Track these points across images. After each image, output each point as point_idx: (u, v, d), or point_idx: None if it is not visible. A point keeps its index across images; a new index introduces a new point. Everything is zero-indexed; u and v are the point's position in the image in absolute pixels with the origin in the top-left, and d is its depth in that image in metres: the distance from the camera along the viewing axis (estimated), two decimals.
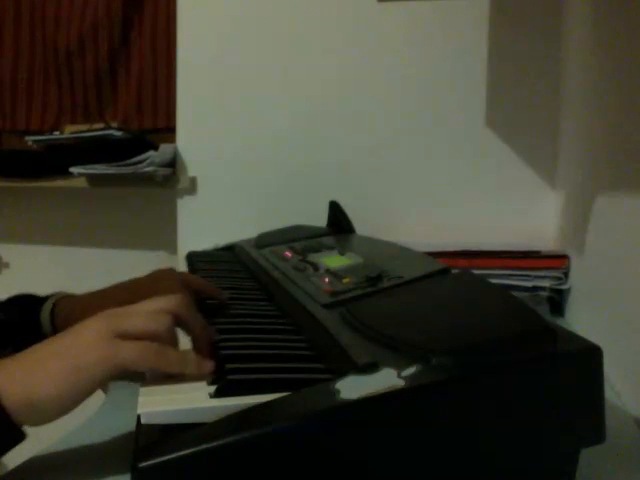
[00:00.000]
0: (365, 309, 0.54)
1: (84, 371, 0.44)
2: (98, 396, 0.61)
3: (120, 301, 0.68)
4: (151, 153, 1.35)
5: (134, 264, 1.66)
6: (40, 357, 0.45)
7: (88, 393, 0.45)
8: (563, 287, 0.96)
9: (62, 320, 0.70)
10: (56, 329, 0.70)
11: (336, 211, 1.04)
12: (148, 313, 0.49)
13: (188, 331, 0.52)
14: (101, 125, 1.57)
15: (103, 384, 0.45)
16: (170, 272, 0.73)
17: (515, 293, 0.93)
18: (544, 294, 0.96)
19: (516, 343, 0.42)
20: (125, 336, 0.46)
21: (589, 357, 0.43)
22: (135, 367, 0.45)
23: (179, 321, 0.51)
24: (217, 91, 1.34)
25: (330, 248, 0.83)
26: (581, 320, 0.88)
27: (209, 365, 0.47)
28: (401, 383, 0.39)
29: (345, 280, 0.64)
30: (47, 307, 0.71)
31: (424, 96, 1.23)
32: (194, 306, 0.53)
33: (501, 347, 0.42)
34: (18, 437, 0.43)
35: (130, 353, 0.45)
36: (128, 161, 1.36)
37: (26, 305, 0.73)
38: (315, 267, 0.72)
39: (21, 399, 0.42)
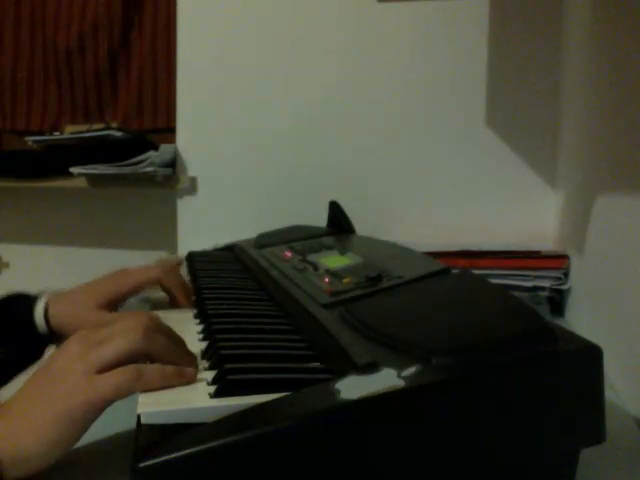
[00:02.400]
0: (365, 309, 0.54)
1: (69, 418, 0.43)
2: None
3: (108, 292, 0.70)
4: (151, 153, 1.35)
5: (134, 264, 1.65)
6: (24, 408, 0.44)
7: (77, 437, 0.44)
8: (563, 287, 0.96)
9: (56, 320, 0.71)
10: (51, 329, 0.71)
11: (336, 211, 1.04)
12: (118, 333, 0.47)
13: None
14: (101, 125, 1.57)
15: (91, 424, 0.44)
16: (159, 264, 0.74)
17: (515, 293, 0.93)
18: (544, 294, 0.96)
19: (516, 343, 0.42)
20: (103, 368, 0.45)
21: (589, 357, 0.43)
22: (120, 397, 0.44)
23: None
24: (217, 91, 1.34)
25: (330, 248, 0.82)
26: (581, 320, 0.88)
27: (190, 373, 0.46)
28: (401, 383, 0.39)
29: (345, 280, 0.64)
30: (40, 308, 0.71)
31: (424, 96, 1.23)
32: (158, 321, 0.51)
33: (501, 347, 0.42)
34: None
35: (109, 388, 0.43)
36: (128, 161, 1.36)
37: (18, 305, 0.73)
38: (315, 267, 0.72)
39: (10, 454, 0.42)
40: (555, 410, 0.42)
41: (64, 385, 0.44)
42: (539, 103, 1.16)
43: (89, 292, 0.72)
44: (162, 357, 0.47)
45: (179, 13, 1.36)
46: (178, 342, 0.51)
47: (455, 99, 1.21)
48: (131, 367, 0.45)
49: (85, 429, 0.44)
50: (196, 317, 0.65)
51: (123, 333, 0.47)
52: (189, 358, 0.49)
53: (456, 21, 1.20)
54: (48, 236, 1.82)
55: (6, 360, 0.47)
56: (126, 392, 0.44)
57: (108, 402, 0.44)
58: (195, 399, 0.42)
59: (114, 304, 0.72)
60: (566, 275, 0.97)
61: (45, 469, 0.43)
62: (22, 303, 0.73)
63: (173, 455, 0.36)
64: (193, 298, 0.72)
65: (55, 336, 0.71)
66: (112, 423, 0.54)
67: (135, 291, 0.72)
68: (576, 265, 0.95)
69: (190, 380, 0.45)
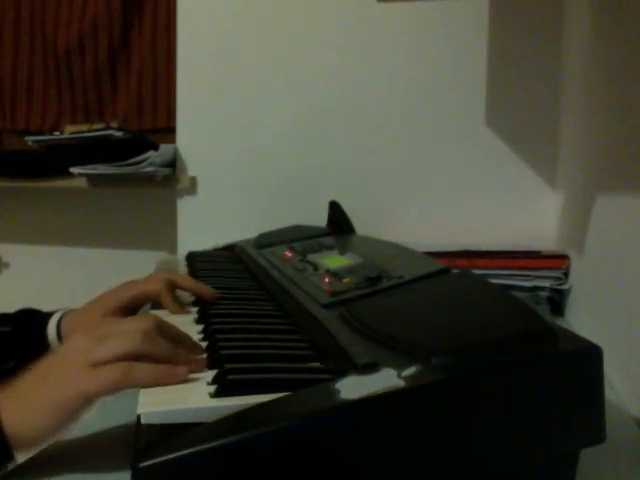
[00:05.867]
0: (365, 309, 0.54)
1: (62, 406, 0.46)
2: None
3: (113, 301, 0.71)
4: (151, 153, 1.35)
5: (134, 264, 1.66)
6: (24, 391, 0.48)
7: (68, 424, 0.47)
8: (563, 287, 0.96)
9: (67, 330, 0.72)
10: (61, 340, 0.72)
11: (336, 211, 1.04)
12: (119, 334, 0.50)
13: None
14: (101, 125, 1.57)
15: (81, 414, 0.47)
16: (161, 274, 0.75)
17: (515, 293, 0.93)
18: (544, 294, 0.96)
19: (516, 343, 0.42)
20: (99, 364, 0.47)
21: (589, 357, 0.43)
22: (110, 392, 0.46)
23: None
24: (217, 91, 1.34)
25: (330, 248, 0.83)
26: (581, 320, 0.88)
27: (181, 373, 0.47)
28: (401, 383, 0.39)
29: (345, 280, 0.64)
30: (53, 321, 0.72)
31: (424, 96, 1.23)
32: (162, 325, 0.52)
33: (501, 347, 0.42)
34: (7, 457, 0.45)
35: (101, 381, 0.46)
36: (128, 161, 1.36)
37: (32, 319, 0.74)
38: (315, 267, 0.72)
39: (7, 428, 0.45)
40: (555, 410, 0.42)
41: (61, 374, 0.48)
42: (539, 103, 1.16)
43: (98, 302, 0.74)
44: (160, 360, 0.48)
45: (179, 12, 1.36)
46: (183, 341, 0.53)
47: (455, 99, 1.21)
48: (123, 364, 0.46)
49: (75, 418, 0.47)
50: (196, 317, 0.65)
51: (124, 334, 0.49)
52: (191, 356, 0.50)
53: (456, 21, 1.20)
54: (48, 236, 1.82)
55: (14, 372, 0.49)
56: (116, 386, 0.46)
57: (99, 395, 0.46)
58: (195, 399, 0.42)
59: (121, 313, 0.72)
60: (566, 275, 0.97)
61: (28, 450, 0.47)
62: (35, 316, 0.75)
63: (173, 455, 0.36)
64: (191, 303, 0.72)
65: None
66: (112, 422, 0.54)
67: (137, 301, 0.73)
68: (576, 265, 0.95)
69: (181, 380, 0.46)
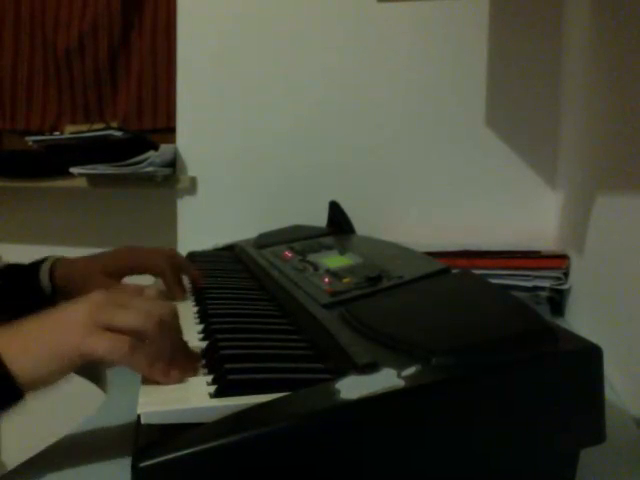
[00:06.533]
0: (365, 309, 0.54)
1: (59, 355, 0.46)
2: (98, 396, 0.61)
3: (114, 264, 0.72)
4: (151, 153, 1.35)
5: None
6: (32, 337, 0.47)
7: (61, 374, 0.46)
8: (563, 287, 0.96)
9: (61, 280, 0.74)
10: (55, 288, 0.73)
11: (336, 211, 1.04)
12: (139, 310, 0.49)
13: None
14: (101, 125, 1.57)
15: (76, 368, 0.47)
16: (163, 250, 0.76)
17: (515, 293, 0.93)
18: (544, 294, 0.96)
19: (516, 343, 0.42)
20: (110, 328, 0.46)
21: (589, 357, 0.43)
22: (106, 359, 0.46)
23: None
24: (217, 91, 1.34)
25: (330, 248, 0.83)
26: (581, 320, 0.88)
27: (174, 376, 0.46)
28: (401, 383, 0.39)
29: (345, 280, 0.64)
30: (45, 268, 0.73)
31: (424, 96, 1.23)
32: (175, 322, 0.52)
33: (501, 347, 0.42)
34: (19, 394, 0.44)
35: (104, 345, 0.45)
36: (128, 161, 1.36)
37: (22, 271, 0.75)
38: (315, 267, 0.72)
39: (12, 369, 0.45)
40: (555, 410, 0.42)
41: (70, 325, 0.47)
42: (539, 103, 1.16)
43: (97, 259, 0.76)
44: (160, 355, 0.47)
45: (179, 12, 1.36)
46: (182, 347, 0.51)
47: (455, 99, 1.21)
48: (131, 340, 0.45)
49: (68, 370, 0.46)
50: (196, 317, 0.65)
51: (142, 312, 0.48)
52: (186, 363, 0.49)
53: (456, 21, 1.20)
54: (48, 236, 1.81)
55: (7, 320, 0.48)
56: (114, 359, 0.46)
57: (95, 358, 0.46)
58: (195, 399, 0.42)
59: (118, 276, 0.73)
60: (566, 275, 0.97)
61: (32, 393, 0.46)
62: (24, 268, 0.76)
63: (173, 455, 0.36)
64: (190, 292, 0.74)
65: (58, 297, 0.73)
66: (112, 423, 0.54)
67: (136, 272, 0.74)
68: (576, 265, 0.95)
69: (172, 383, 0.46)
